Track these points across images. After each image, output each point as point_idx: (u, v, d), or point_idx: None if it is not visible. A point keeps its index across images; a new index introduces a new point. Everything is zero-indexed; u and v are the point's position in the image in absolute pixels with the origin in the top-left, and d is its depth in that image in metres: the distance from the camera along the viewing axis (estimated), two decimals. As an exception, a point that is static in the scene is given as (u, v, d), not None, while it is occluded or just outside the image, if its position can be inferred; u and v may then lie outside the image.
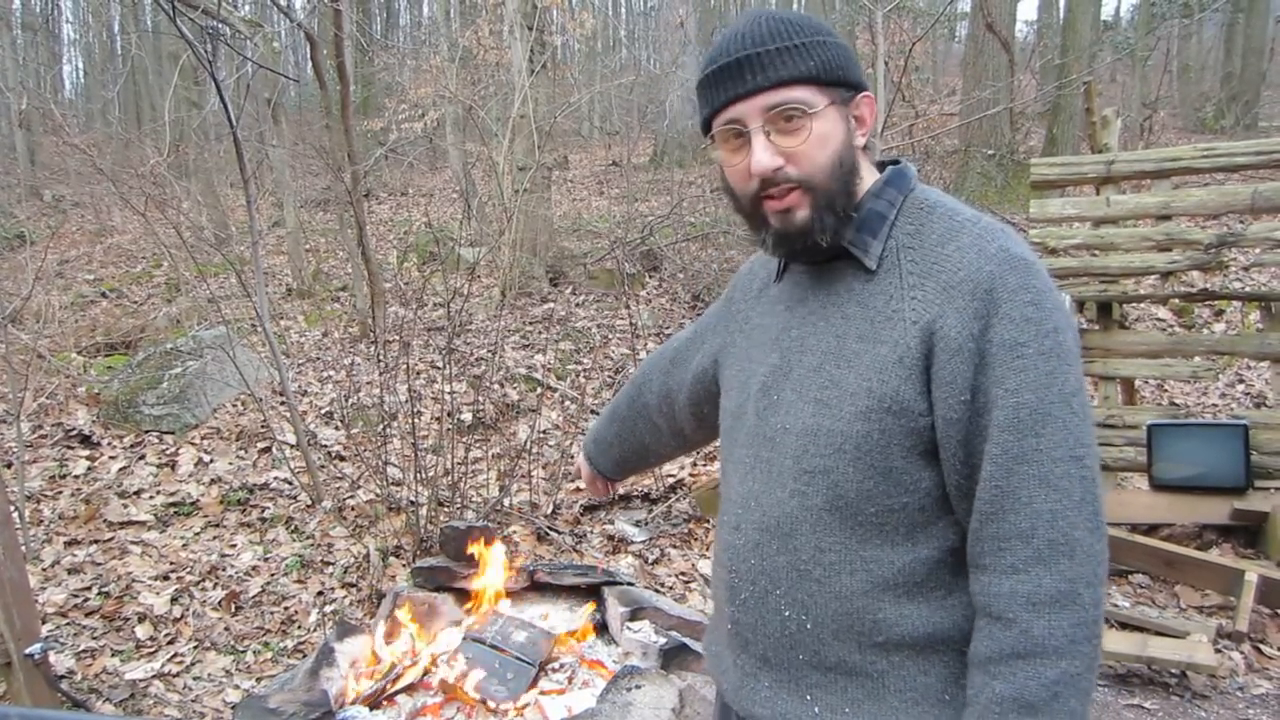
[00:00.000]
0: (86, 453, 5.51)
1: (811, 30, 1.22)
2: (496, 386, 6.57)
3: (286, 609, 4.11)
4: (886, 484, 1.18)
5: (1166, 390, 6.62)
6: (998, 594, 1.12)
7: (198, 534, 4.74)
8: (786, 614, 1.25)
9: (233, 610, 4.09)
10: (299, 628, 3.98)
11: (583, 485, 2.01)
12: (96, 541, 4.59)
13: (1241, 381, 6.66)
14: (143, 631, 3.90)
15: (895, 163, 1.32)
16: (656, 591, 3.74)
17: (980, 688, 1.14)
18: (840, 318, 1.25)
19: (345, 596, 4.20)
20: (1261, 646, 3.63)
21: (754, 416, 1.31)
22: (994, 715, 1.10)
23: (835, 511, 1.20)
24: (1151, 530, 4.39)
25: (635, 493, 5.17)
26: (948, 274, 1.17)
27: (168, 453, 5.54)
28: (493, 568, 3.22)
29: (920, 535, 1.20)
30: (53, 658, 3.36)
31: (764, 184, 1.22)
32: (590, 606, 3.23)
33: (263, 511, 4.96)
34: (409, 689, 2.83)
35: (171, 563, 4.43)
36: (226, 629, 3.94)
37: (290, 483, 5.19)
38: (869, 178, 1.29)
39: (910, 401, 1.16)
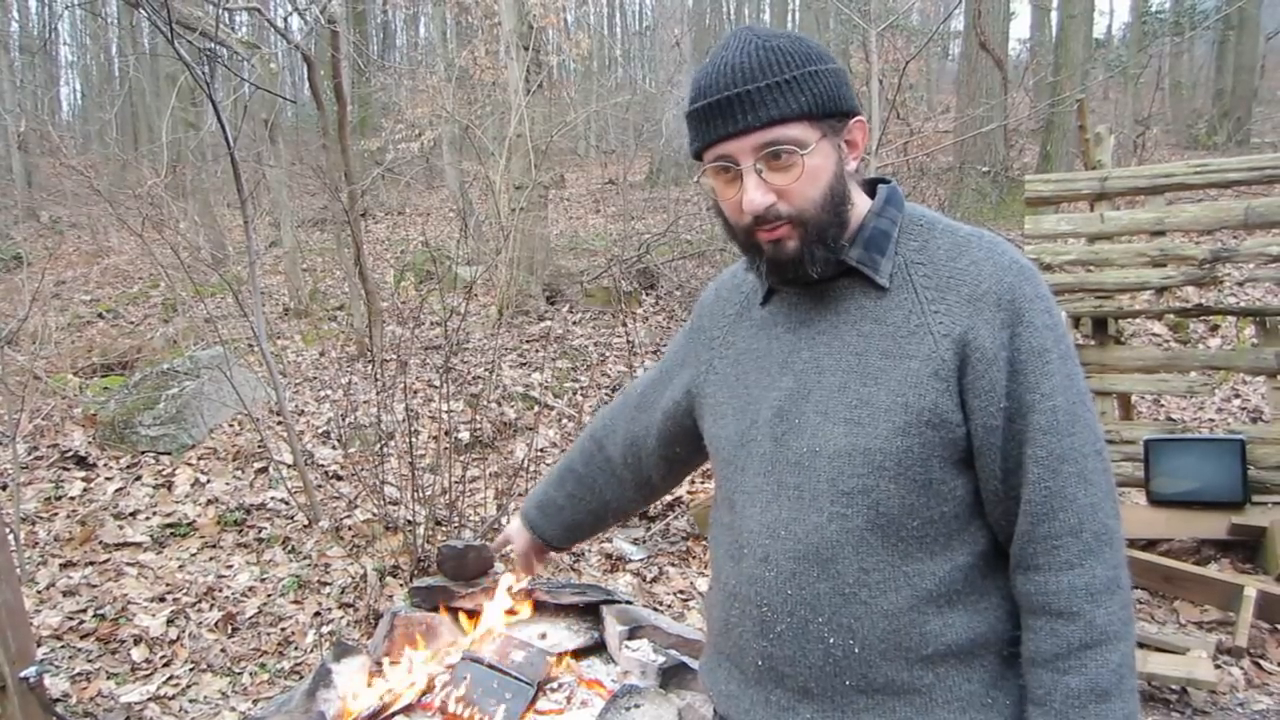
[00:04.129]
0: (82, 474, 5.49)
1: (803, 60, 1.20)
2: (494, 405, 6.57)
3: (283, 630, 4.09)
4: (926, 496, 1.20)
5: (1163, 405, 6.63)
6: (1057, 591, 1.16)
7: (194, 555, 4.72)
8: (831, 641, 1.22)
9: (229, 632, 4.07)
10: (296, 649, 3.96)
11: (512, 558, 1.90)
12: (92, 563, 4.57)
13: (1238, 396, 6.68)
14: (138, 654, 3.88)
15: (884, 181, 1.33)
16: (655, 610, 3.72)
17: (1051, 686, 1.16)
18: (856, 335, 1.25)
19: (342, 617, 4.18)
20: (1261, 662, 3.62)
21: (769, 442, 1.28)
22: (1075, 710, 1.14)
23: (877, 530, 1.20)
24: (1149, 546, 4.39)
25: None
26: (969, 287, 1.21)
27: (164, 473, 5.52)
28: (495, 606, 3.21)
29: (955, 543, 1.23)
30: (48, 681, 3.33)
31: (756, 219, 1.22)
32: (588, 625, 3.22)
33: (259, 532, 4.94)
34: (407, 710, 2.82)
35: (168, 584, 4.41)
36: (223, 650, 3.92)
37: (287, 503, 5.17)
38: (859, 200, 1.30)
39: (948, 413, 1.19)
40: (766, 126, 1.18)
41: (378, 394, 5.47)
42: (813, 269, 1.24)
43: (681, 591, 4.36)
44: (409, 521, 4.48)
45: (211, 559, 4.69)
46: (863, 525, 1.20)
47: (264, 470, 5.59)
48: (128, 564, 4.56)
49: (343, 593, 4.34)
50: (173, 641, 3.97)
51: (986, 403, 1.18)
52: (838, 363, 1.25)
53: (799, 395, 1.27)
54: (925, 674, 1.21)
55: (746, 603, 1.29)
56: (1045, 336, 1.18)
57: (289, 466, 5.38)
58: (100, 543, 4.75)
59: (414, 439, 4.67)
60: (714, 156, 1.23)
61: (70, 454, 5.67)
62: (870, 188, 1.34)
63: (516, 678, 2.82)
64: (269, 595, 4.35)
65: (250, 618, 4.17)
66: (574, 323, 9.45)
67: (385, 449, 5.09)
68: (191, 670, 3.79)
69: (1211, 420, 6.31)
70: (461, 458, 5.03)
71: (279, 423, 5.74)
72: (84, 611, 4.14)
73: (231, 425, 6.25)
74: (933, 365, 1.19)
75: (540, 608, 3.32)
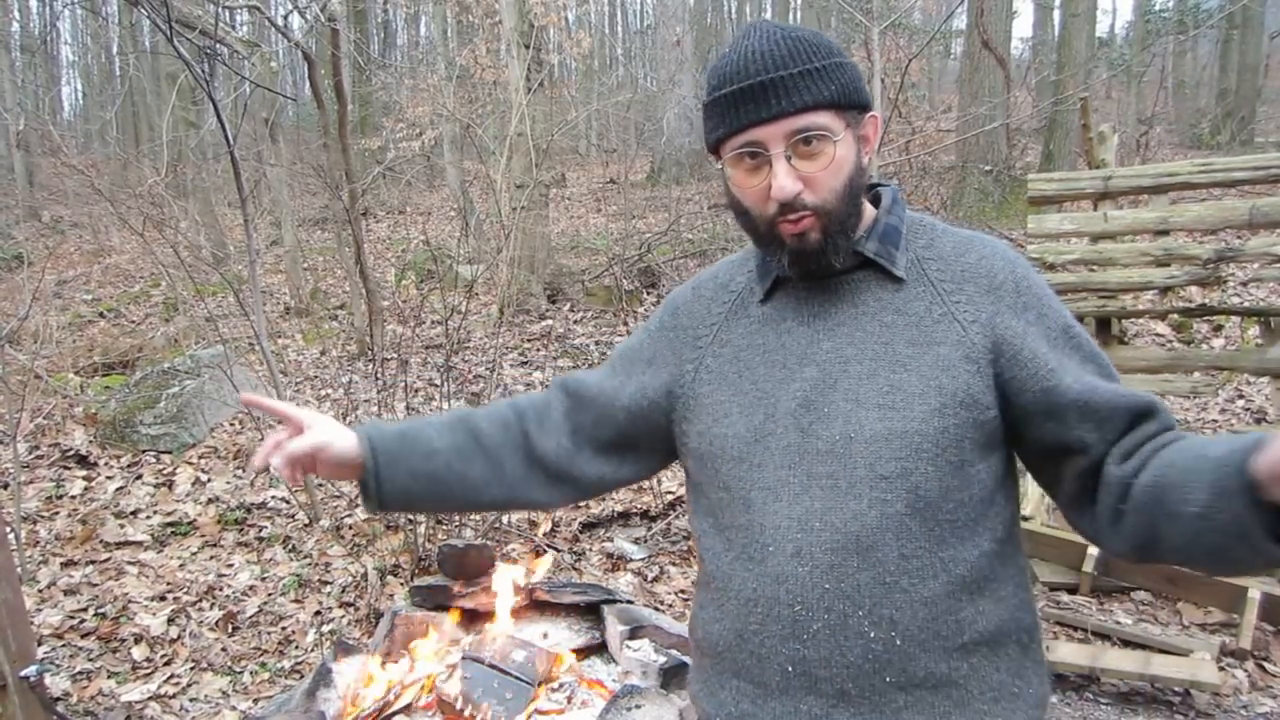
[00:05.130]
0: (83, 473, 5.49)
1: (828, 51, 1.23)
2: (495, 404, 6.55)
3: (284, 629, 4.09)
4: (959, 478, 1.21)
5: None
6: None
7: (195, 554, 4.71)
8: (872, 634, 1.18)
9: (230, 631, 4.07)
10: (296, 648, 3.96)
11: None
12: (93, 562, 4.57)
13: (1241, 397, 6.65)
14: (139, 653, 3.87)
15: (884, 185, 1.38)
16: (656, 609, 3.71)
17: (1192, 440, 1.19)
18: (879, 326, 1.27)
19: (343, 616, 4.17)
20: (1265, 664, 3.60)
21: (795, 433, 1.24)
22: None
23: (916, 515, 1.20)
24: (1153, 546, 4.37)
25: (634, 510, 5.15)
26: (985, 278, 1.27)
27: (165, 472, 5.52)
28: (503, 594, 3.20)
29: (980, 528, 1.24)
30: (48, 680, 3.33)
31: (782, 208, 1.22)
32: (590, 625, 3.21)
33: (260, 531, 4.93)
34: (407, 709, 2.81)
35: (168, 583, 4.40)
36: (223, 650, 3.91)
37: (287, 501, 5.17)
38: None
39: (979, 395, 1.22)
40: (800, 112, 1.20)
41: (379, 393, 5.46)
42: (836, 259, 1.26)
43: (683, 591, 4.35)
44: (409, 520, 4.47)
45: (212, 558, 4.68)
46: (903, 510, 1.19)
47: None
48: (128, 563, 4.56)
49: (343, 592, 4.33)
50: (173, 640, 3.97)
51: (1035, 369, 1.22)
52: (862, 352, 1.25)
53: (825, 385, 1.25)
54: (961, 664, 1.21)
55: (773, 604, 1.22)
56: (1065, 317, 1.28)
57: (290, 465, 5.37)
58: (101, 542, 4.75)
59: (415, 438, 4.65)
60: (740, 144, 1.23)
61: (71, 453, 5.67)
62: (869, 192, 1.37)
63: (517, 677, 2.81)
64: (269, 594, 4.34)
65: (251, 617, 4.16)
66: (575, 322, 9.44)
67: (386, 448, 5.07)
68: (192, 669, 3.79)
69: (1215, 421, 6.29)
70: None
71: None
72: (85, 610, 4.14)
73: (232, 424, 6.25)
74: (963, 350, 1.22)
75: (542, 607, 3.32)
